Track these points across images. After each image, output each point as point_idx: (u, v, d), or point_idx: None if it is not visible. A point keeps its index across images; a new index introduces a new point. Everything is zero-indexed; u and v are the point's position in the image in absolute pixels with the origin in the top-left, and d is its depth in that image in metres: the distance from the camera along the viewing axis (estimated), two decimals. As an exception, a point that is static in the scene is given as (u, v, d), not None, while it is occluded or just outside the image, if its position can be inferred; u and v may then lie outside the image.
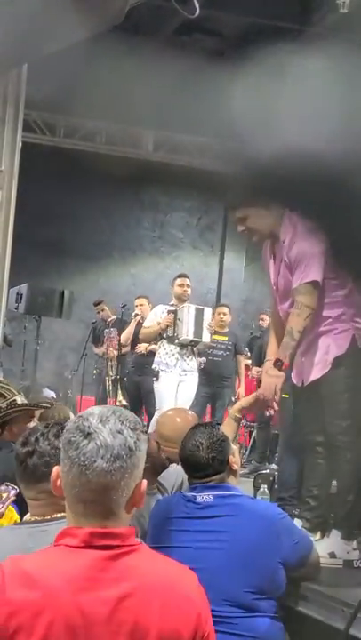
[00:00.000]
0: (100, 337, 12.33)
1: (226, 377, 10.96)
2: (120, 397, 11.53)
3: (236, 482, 3.82)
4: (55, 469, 2.09)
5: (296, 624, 3.81)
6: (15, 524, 3.00)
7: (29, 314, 12.74)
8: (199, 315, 9.56)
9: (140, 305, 11.25)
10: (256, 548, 3.46)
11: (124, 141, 14.94)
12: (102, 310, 12.51)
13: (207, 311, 9.80)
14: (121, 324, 11.92)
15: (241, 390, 11.18)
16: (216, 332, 10.52)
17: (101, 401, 12.32)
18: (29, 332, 13.24)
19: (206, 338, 9.59)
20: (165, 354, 9.51)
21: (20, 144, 4.17)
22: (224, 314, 11.08)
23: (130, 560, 2.00)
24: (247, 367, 11.50)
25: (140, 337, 10.44)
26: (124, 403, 11.37)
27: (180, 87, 13.27)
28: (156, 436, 5.01)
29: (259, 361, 10.41)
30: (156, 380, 9.46)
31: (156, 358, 9.62)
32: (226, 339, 10.96)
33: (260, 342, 11.17)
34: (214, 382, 10.73)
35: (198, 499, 3.64)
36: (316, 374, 4.62)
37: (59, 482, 2.07)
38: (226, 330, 11.04)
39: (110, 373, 11.66)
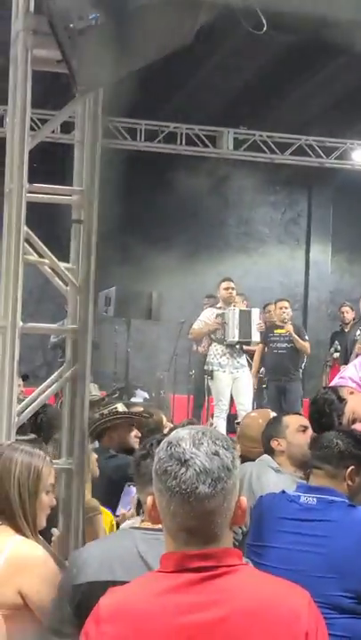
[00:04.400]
0: None
1: (292, 370, 11.08)
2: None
3: None
4: (150, 499, 2.05)
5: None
6: (131, 527, 3.08)
7: (118, 317, 12.92)
8: (245, 316, 10.16)
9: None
10: (355, 556, 3.47)
11: (204, 141, 15.03)
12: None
13: (255, 312, 10.36)
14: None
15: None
16: (277, 327, 10.87)
17: (195, 400, 12.45)
18: (120, 334, 13.41)
19: (256, 337, 10.13)
20: (217, 354, 10.16)
21: (99, 166, 4.27)
22: (285, 307, 11.24)
23: (227, 581, 1.93)
24: (336, 360, 11.53)
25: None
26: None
27: (257, 84, 13.30)
28: (241, 438, 5.15)
29: (345, 358, 10.49)
30: (211, 378, 10.11)
31: (209, 359, 10.25)
32: (286, 331, 11.08)
33: (347, 338, 11.26)
34: (282, 376, 10.88)
35: (302, 499, 3.66)
36: None
37: (154, 512, 2.03)
38: (287, 323, 11.17)
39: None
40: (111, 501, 4.71)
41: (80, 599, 2.53)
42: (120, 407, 5.67)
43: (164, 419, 6.68)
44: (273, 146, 15.10)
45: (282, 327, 11.09)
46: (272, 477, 4.40)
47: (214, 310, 10.52)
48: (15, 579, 2.90)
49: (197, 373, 12.32)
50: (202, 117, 14.62)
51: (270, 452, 4.60)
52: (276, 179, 16.55)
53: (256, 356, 11.19)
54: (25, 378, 8.55)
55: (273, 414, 5.30)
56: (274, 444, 4.58)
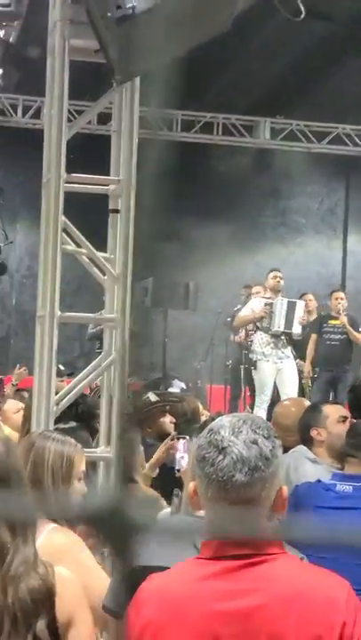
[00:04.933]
0: None
1: (346, 361, 11.01)
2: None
3: None
4: (191, 485, 2.06)
5: None
6: (186, 514, 3.08)
7: (156, 307, 12.94)
8: (291, 308, 10.21)
9: (257, 292, 11.48)
10: None
11: (241, 131, 15.00)
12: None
13: (300, 305, 10.43)
14: None
15: None
16: (332, 317, 10.86)
17: (232, 390, 12.45)
18: (157, 324, 13.43)
19: (297, 329, 10.22)
20: (262, 344, 10.25)
21: (136, 155, 4.28)
22: (341, 298, 11.17)
23: (264, 569, 1.94)
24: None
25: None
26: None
27: (293, 73, 13.24)
28: (274, 427, 5.10)
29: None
30: (255, 369, 10.18)
31: (254, 347, 10.48)
32: (340, 323, 11.01)
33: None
34: (335, 367, 10.84)
35: (338, 488, 3.65)
36: None
37: (195, 498, 2.04)
38: (342, 314, 11.09)
39: (244, 361, 11.72)
40: (155, 489, 4.73)
41: (133, 582, 2.55)
42: (152, 397, 5.70)
43: (201, 406, 6.69)
44: (310, 135, 15.04)
45: (336, 318, 11.06)
46: (309, 468, 4.37)
47: (262, 300, 10.61)
48: None
49: (234, 363, 12.32)
50: (238, 107, 14.57)
51: (308, 441, 4.54)
52: (313, 168, 16.46)
53: (310, 346, 11.11)
54: (70, 374, 8.58)
55: (307, 403, 5.26)
56: (313, 433, 4.51)
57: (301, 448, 4.53)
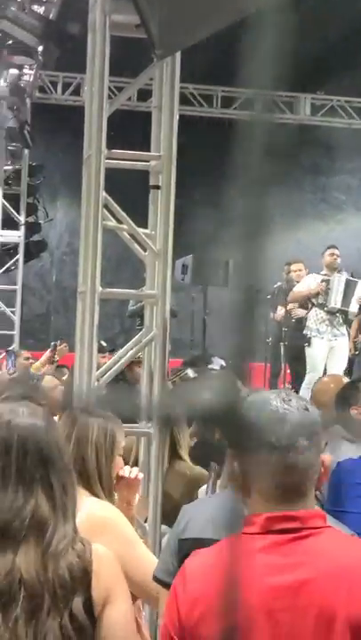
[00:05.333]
0: (278, 302, 12.29)
1: None
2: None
3: None
4: (235, 466, 2.05)
5: None
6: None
7: (195, 285, 12.93)
8: (350, 286, 10.11)
9: (299, 270, 11.44)
10: None
11: (281, 107, 14.89)
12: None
13: (360, 284, 10.32)
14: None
15: None
16: None
17: (272, 368, 12.42)
18: (197, 301, 13.42)
19: (354, 308, 10.09)
20: (317, 320, 10.14)
21: (177, 129, 4.28)
22: None
23: (312, 543, 1.93)
24: None
25: (287, 299, 11.14)
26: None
27: (334, 49, 13.12)
28: (312, 403, 5.07)
29: None
30: (308, 345, 10.02)
31: (308, 323, 10.37)
32: None
33: None
34: None
35: None
36: None
37: (240, 479, 2.01)
38: None
39: (284, 339, 11.66)
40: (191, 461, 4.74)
41: (185, 554, 2.56)
42: (191, 373, 5.71)
43: (238, 383, 6.68)
44: (351, 110, 14.92)
45: None
46: (349, 447, 4.35)
47: (318, 276, 10.54)
48: (93, 539, 2.95)
49: (274, 341, 12.27)
50: (279, 83, 14.47)
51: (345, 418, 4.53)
52: (354, 144, 16.33)
53: (355, 324, 11.04)
54: (112, 350, 8.63)
55: (346, 379, 5.24)
56: (353, 411, 4.50)
57: (337, 427, 4.51)
